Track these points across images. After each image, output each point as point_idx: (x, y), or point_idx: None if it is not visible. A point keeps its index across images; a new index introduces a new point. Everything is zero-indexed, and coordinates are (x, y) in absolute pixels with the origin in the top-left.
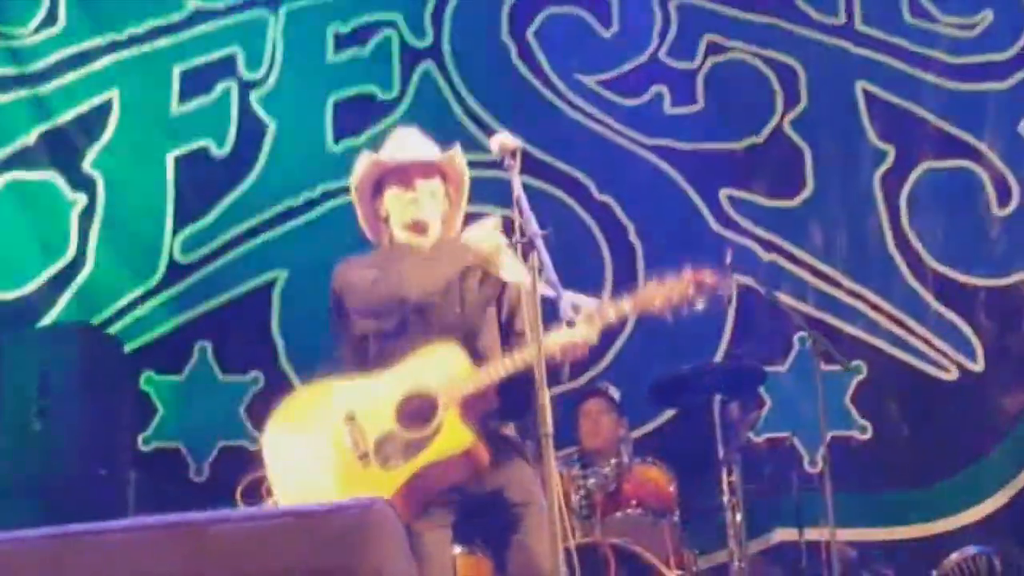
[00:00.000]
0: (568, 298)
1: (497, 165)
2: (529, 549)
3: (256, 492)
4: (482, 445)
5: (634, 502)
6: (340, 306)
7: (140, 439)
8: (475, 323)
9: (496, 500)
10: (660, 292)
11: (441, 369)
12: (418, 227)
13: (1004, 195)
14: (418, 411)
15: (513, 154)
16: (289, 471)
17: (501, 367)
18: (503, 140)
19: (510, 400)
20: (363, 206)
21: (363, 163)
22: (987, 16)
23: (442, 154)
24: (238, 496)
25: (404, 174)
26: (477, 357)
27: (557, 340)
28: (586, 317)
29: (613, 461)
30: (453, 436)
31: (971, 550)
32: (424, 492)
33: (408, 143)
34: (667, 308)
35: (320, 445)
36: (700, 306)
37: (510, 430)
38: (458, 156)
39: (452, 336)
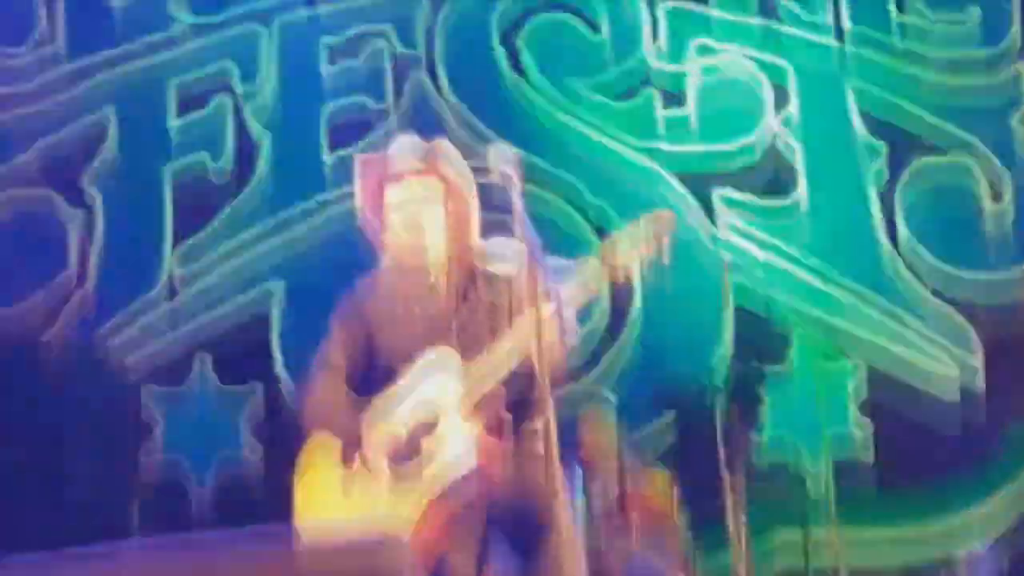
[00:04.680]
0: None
1: (492, 174)
2: (559, 556)
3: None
4: (493, 443)
5: (638, 526)
6: (367, 328)
7: (142, 454)
8: (482, 330)
9: (523, 507)
10: (621, 241)
11: (439, 375)
12: (415, 229)
13: (998, 189)
14: (425, 421)
15: (511, 166)
16: (317, 515)
17: (491, 360)
18: (500, 152)
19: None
20: (369, 219)
21: (356, 170)
22: (975, 10)
23: (427, 148)
24: None
25: (396, 176)
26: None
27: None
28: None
29: (614, 466)
30: (457, 452)
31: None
32: (449, 506)
33: (402, 147)
34: (635, 254)
35: (344, 484)
36: (666, 242)
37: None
38: (445, 148)
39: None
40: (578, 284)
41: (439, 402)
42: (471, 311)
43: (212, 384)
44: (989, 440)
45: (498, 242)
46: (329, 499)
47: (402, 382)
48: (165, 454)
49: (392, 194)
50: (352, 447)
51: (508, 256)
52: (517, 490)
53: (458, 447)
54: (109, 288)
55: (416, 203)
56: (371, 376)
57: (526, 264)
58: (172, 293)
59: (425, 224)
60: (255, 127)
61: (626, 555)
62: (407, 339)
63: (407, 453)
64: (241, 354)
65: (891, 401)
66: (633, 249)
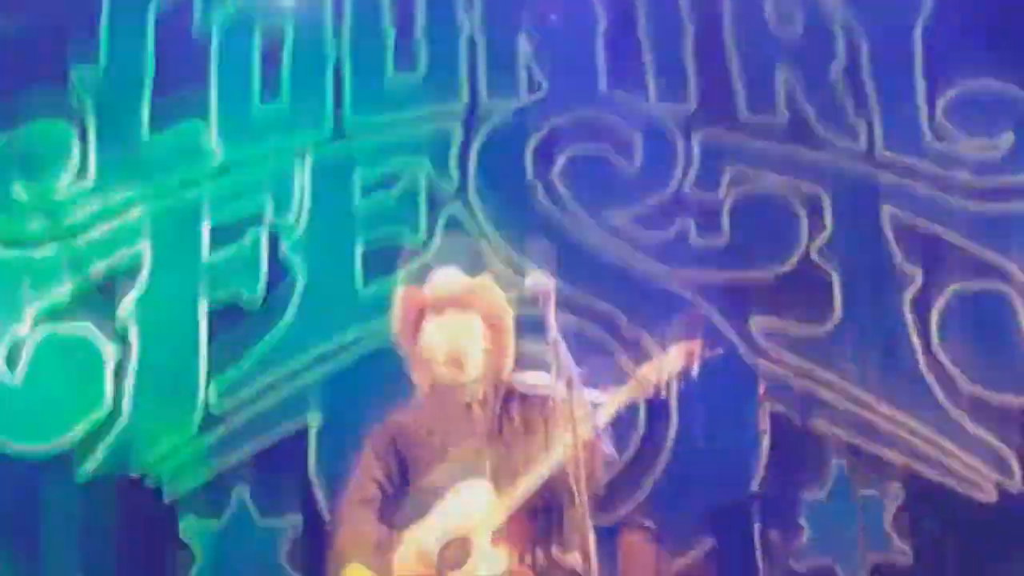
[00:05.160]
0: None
1: (529, 303)
2: None
3: None
4: (523, 569)
5: None
6: (400, 460)
7: None
8: (518, 459)
9: None
10: (654, 369)
11: (470, 508)
12: (455, 362)
13: None
14: (457, 555)
15: (547, 293)
16: None
17: (518, 491)
18: (537, 280)
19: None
20: (405, 349)
21: (397, 300)
22: (1009, 136)
23: (470, 284)
24: None
25: (437, 308)
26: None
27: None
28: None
29: None
30: (489, 565)
31: None
32: None
33: (442, 279)
34: (664, 382)
35: None
36: (695, 374)
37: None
38: (488, 285)
39: (493, 471)
40: (611, 412)
41: (472, 534)
42: (507, 444)
43: (251, 517)
44: None
45: (534, 375)
46: None
47: (435, 515)
48: None
49: (432, 326)
50: (384, 562)
51: (543, 381)
52: None
53: (488, 567)
54: (146, 421)
55: (456, 336)
56: (404, 506)
57: (564, 390)
58: (209, 426)
59: (464, 357)
60: (290, 260)
61: None
62: (442, 471)
63: None
64: (280, 487)
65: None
66: (664, 378)
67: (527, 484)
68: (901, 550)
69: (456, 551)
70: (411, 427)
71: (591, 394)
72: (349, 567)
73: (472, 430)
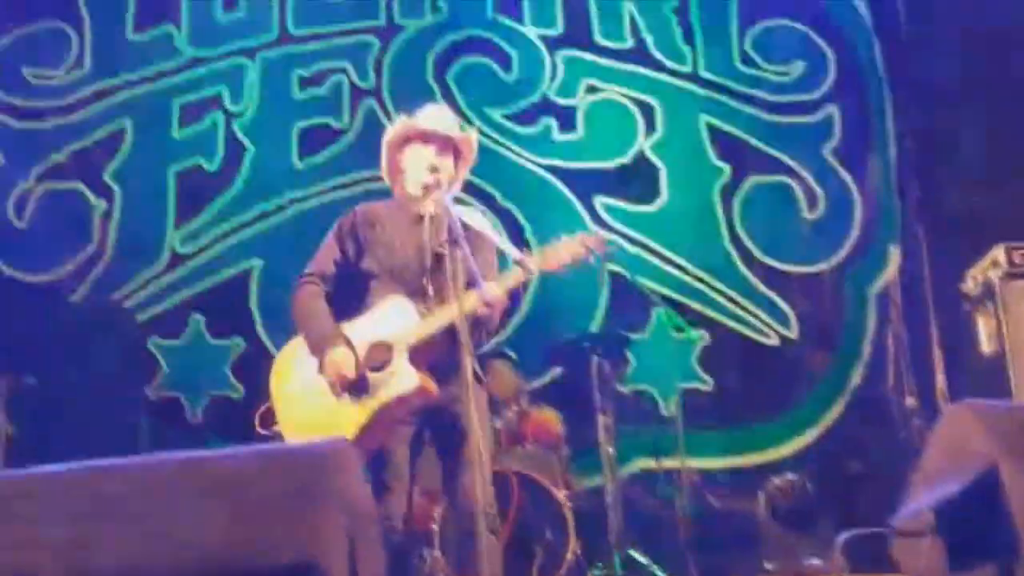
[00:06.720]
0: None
1: None
2: (470, 465)
3: (270, 418)
4: (430, 382)
5: (531, 440)
6: (357, 241)
7: (148, 390)
8: (444, 274)
9: (453, 421)
10: (558, 250)
11: (396, 320)
12: (428, 190)
13: (812, 202)
14: (380, 356)
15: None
16: (287, 403)
17: (436, 322)
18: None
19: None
20: (388, 157)
21: (397, 124)
22: (799, 65)
23: (461, 133)
24: (256, 421)
25: (427, 140)
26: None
27: (480, 296)
28: (500, 278)
29: (515, 408)
30: (404, 377)
31: (788, 475)
32: (387, 421)
33: (436, 116)
34: (566, 262)
35: (309, 383)
36: (591, 260)
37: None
38: (474, 138)
39: (419, 288)
40: (516, 276)
41: (394, 343)
42: (442, 260)
43: (204, 338)
44: (797, 391)
45: (472, 212)
46: (298, 399)
47: (367, 317)
48: (167, 391)
49: (415, 151)
50: (320, 351)
51: (477, 217)
52: (445, 409)
53: (404, 379)
54: (124, 261)
55: (433, 169)
56: (348, 295)
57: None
58: (173, 266)
59: (434, 188)
60: (241, 138)
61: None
62: (387, 265)
63: (362, 378)
64: (228, 315)
65: (728, 356)
66: (566, 259)
67: (442, 318)
68: (704, 380)
69: (380, 352)
70: (371, 217)
71: (505, 245)
72: (293, 341)
73: (419, 236)
